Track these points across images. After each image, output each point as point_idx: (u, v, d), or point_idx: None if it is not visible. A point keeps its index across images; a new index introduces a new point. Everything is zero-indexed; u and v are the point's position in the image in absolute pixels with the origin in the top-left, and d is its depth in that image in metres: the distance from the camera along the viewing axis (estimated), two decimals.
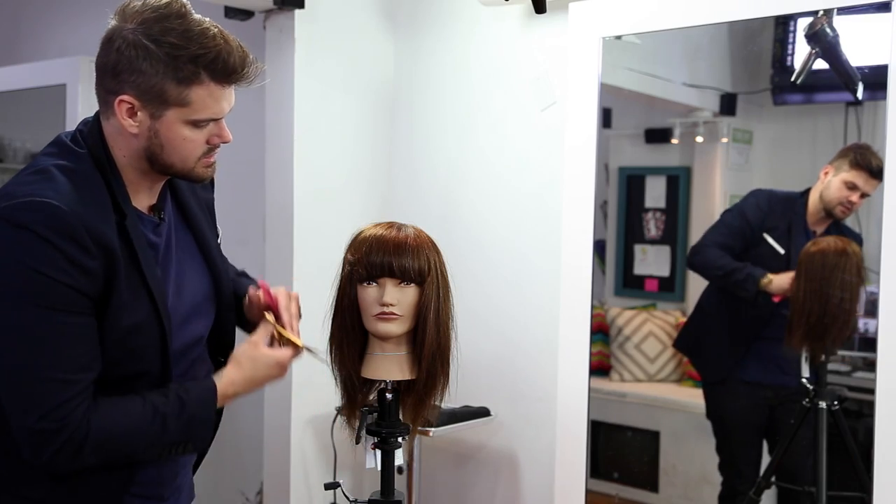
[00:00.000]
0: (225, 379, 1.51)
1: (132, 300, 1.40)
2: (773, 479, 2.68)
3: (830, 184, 2.73)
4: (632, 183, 3.72)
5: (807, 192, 2.80)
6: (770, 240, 2.79)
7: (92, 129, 1.45)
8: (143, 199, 1.48)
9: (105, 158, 1.43)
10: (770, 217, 2.82)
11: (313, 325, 1.69)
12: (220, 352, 1.62)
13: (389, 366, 1.62)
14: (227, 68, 1.37)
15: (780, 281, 2.72)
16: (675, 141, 3.53)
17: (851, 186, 2.70)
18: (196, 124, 1.40)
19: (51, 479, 1.44)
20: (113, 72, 1.37)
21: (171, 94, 1.36)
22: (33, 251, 1.31)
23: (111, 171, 1.43)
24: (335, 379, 1.70)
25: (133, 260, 1.41)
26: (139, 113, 1.38)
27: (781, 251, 2.78)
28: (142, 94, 1.36)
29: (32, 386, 1.34)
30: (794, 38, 2.99)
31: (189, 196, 1.60)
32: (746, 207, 2.89)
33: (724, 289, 2.90)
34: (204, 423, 1.49)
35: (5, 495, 1.46)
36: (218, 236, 1.66)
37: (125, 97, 1.37)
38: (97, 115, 1.46)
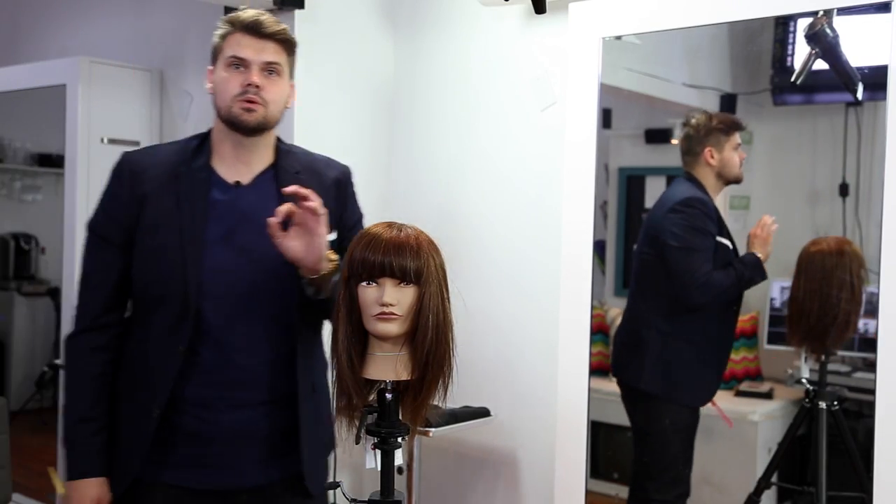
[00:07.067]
0: None
1: (162, 221, 1.76)
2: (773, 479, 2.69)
3: (727, 160, 2.75)
4: (632, 183, 3.71)
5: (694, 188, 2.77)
6: (722, 239, 2.69)
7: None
8: (229, 169, 1.83)
9: (206, 135, 1.88)
10: (712, 219, 2.71)
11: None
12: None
13: (389, 366, 1.61)
14: (244, 23, 1.80)
15: (758, 247, 2.68)
16: (675, 141, 3.53)
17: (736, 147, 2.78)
18: (228, 65, 1.78)
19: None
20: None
21: (219, 47, 1.82)
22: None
23: (205, 142, 1.87)
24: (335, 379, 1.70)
25: (174, 192, 1.78)
26: (210, 74, 1.84)
27: (728, 243, 2.70)
28: (212, 58, 1.83)
29: (80, 295, 1.82)
30: (794, 38, 2.98)
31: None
32: (701, 224, 2.71)
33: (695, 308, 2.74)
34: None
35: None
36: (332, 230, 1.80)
37: (210, 67, 1.84)
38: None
